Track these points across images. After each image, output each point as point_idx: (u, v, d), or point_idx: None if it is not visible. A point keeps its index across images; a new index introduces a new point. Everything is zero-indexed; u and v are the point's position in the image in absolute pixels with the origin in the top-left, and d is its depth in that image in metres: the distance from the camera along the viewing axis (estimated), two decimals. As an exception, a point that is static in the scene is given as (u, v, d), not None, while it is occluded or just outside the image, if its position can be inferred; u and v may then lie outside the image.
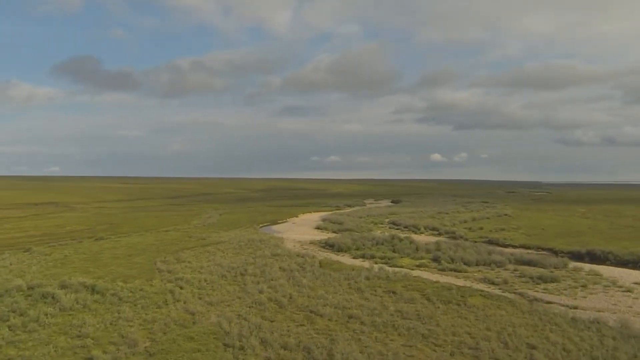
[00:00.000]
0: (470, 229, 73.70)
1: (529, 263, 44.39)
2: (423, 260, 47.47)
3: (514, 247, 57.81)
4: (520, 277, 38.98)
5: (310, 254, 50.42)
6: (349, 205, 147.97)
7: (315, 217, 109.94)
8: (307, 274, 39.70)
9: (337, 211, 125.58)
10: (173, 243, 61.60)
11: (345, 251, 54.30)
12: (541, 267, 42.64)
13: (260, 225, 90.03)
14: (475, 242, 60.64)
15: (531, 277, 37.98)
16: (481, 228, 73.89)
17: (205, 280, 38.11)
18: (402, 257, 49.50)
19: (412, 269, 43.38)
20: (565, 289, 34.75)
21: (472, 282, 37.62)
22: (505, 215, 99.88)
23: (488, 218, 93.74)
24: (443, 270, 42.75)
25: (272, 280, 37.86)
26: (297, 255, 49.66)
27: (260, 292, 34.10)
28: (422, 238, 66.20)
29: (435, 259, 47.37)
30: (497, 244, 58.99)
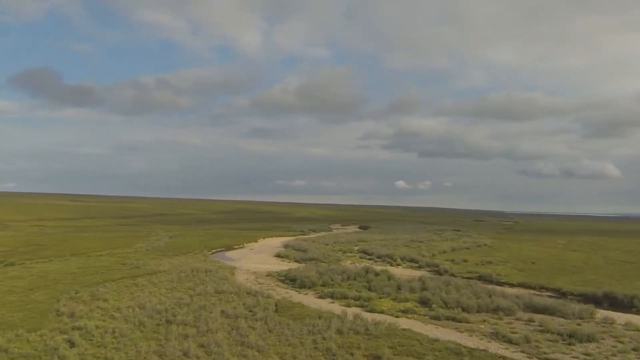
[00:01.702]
0: (453, 261, 64.26)
1: (543, 310, 34.78)
2: (408, 304, 37.34)
3: (511, 285, 48.44)
4: (542, 332, 29.23)
5: (265, 292, 39.67)
6: (314, 231, 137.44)
7: (276, 242, 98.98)
8: (258, 324, 29.05)
9: (302, 236, 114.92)
10: (98, 272, 49.98)
11: (310, 287, 43.80)
12: (561, 317, 33.23)
13: (213, 250, 78.68)
14: (464, 278, 51.13)
15: (558, 333, 28.28)
16: (465, 260, 64.54)
17: (114, 332, 27.08)
18: (380, 298, 39.28)
19: (397, 316, 33.21)
20: (613, 355, 25.12)
21: (482, 339, 27.67)
22: (485, 245, 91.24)
23: (468, 248, 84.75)
24: (437, 318, 32.70)
25: (207, 333, 27.10)
26: (248, 294, 38.90)
27: (185, 354, 23.38)
28: (400, 271, 56.29)
29: (424, 302, 37.36)
30: (491, 281, 49.53)
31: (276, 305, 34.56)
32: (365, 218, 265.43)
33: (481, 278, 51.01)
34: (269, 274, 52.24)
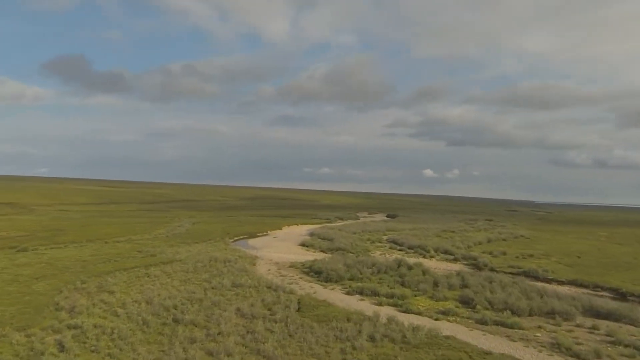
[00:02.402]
0: (490, 253, 59.43)
1: (607, 316, 30.06)
2: (448, 303, 33.05)
3: (560, 282, 43.58)
4: (613, 344, 24.67)
5: (287, 287, 35.76)
6: (341, 218, 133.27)
7: (301, 230, 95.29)
8: (277, 327, 25.19)
9: (327, 224, 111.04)
10: (111, 260, 46.90)
11: (336, 282, 39.81)
12: (629, 324, 28.55)
13: (235, 238, 75.31)
14: (506, 273, 46.50)
15: (634, 347, 23.67)
16: (504, 253, 59.63)
17: (112, 333, 23.57)
18: (416, 296, 35.05)
19: (437, 319, 28.99)
20: None
21: (542, 351, 23.29)
22: (522, 236, 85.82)
23: (504, 240, 79.55)
24: (483, 322, 28.33)
25: (217, 337, 23.37)
26: (268, 288, 35.13)
27: (189, 365, 19.67)
28: (434, 264, 51.88)
29: (466, 302, 33.03)
30: (537, 278, 44.71)
31: (299, 303, 30.64)
32: (393, 206, 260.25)
33: (525, 274, 46.17)
34: (293, 265, 48.47)
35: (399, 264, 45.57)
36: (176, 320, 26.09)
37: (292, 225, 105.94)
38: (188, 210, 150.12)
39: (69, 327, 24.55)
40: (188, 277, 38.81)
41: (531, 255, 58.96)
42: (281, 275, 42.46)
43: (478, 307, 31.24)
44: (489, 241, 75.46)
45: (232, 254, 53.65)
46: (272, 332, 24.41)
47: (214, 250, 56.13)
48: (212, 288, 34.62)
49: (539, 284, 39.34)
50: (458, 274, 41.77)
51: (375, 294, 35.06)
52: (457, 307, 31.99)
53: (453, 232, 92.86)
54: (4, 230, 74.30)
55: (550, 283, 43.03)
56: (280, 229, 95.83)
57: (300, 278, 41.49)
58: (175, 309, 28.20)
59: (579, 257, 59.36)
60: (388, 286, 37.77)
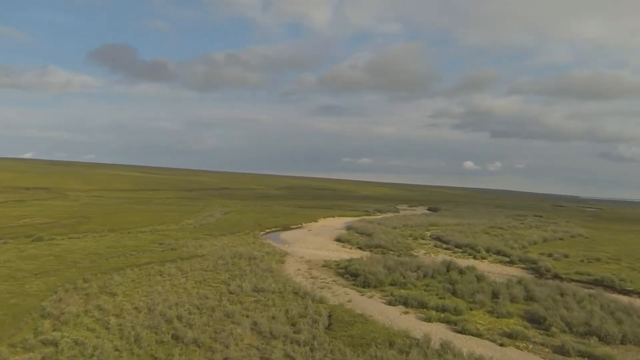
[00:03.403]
0: (550, 255, 52.48)
1: None
2: (512, 322, 26.93)
3: (642, 295, 36.68)
4: None
5: (318, 293, 30.28)
6: (380, 211, 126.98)
7: (338, 223, 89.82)
8: (299, 353, 19.82)
9: (366, 217, 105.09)
10: (126, 253, 42.60)
11: (376, 287, 34.17)
12: None
13: (267, 230, 70.51)
14: (575, 281, 39.92)
15: None
16: (566, 256, 52.54)
17: (93, 354, 18.75)
18: (472, 309, 29.06)
19: (502, 343, 23.03)
20: None
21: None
22: (580, 236, 77.90)
23: (561, 239, 71.98)
24: (564, 352, 22.20)
25: (222, 366, 18.17)
26: (295, 294, 29.82)
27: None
28: (487, 267, 45.55)
29: (535, 320, 26.89)
30: (613, 289, 37.86)
31: (330, 317, 25.18)
32: (432, 199, 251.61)
33: (598, 283, 39.34)
34: (326, 264, 43.06)
35: (448, 267, 39.50)
36: (176, 338, 21.08)
37: (328, 217, 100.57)
38: (223, 199, 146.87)
39: (44, 344, 19.88)
40: (205, 278, 33.91)
41: (598, 259, 51.74)
42: (312, 277, 37.09)
43: (553, 329, 25.07)
44: (544, 241, 68.09)
45: (259, 249, 48.68)
46: (293, 360, 19.07)
47: (241, 245, 51.29)
48: (230, 293, 29.55)
49: (621, 298, 32.69)
50: (519, 281, 35.42)
51: (422, 305, 29.24)
52: (525, 327, 25.83)
53: (502, 228, 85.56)
54: (29, 216, 71.73)
55: (630, 295, 36.23)
56: (316, 221, 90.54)
57: (334, 281, 36.00)
58: (180, 321, 23.21)
59: (654, 262, 51.79)
60: (437, 295, 31.93)
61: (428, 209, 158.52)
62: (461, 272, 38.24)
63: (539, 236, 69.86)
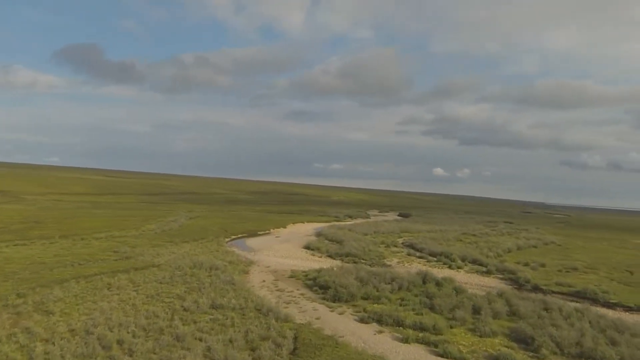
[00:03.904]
0: (527, 265, 50.60)
1: None
2: (498, 341, 24.38)
3: (626, 308, 34.77)
4: None
5: (283, 310, 27.23)
6: (350, 217, 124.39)
7: (308, 228, 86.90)
8: (258, 387, 16.78)
9: (336, 223, 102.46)
10: (75, 263, 38.77)
11: (347, 301, 31.32)
12: None
13: (233, 236, 67.06)
14: (555, 293, 37.95)
15: None
16: (543, 265, 50.71)
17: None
18: (452, 327, 26.44)
19: (489, 371, 20.46)
20: None
21: None
22: (553, 243, 76.77)
23: (535, 247, 70.61)
24: (558, 380, 19.76)
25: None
26: (257, 311, 26.71)
27: None
28: (464, 278, 43.22)
29: (522, 340, 24.42)
30: (595, 301, 35.88)
31: (296, 339, 22.21)
32: (403, 204, 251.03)
33: (580, 295, 37.35)
34: (294, 274, 40.04)
35: (425, 278, 36.97)
36: (112, 370, 17.79)
37: (298, 223, 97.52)
38: (190, 203, 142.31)
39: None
40: (158, 291, 30.50)
41: (575, 269, 50.11)
42: (277, 290, 34.02)
43: (543, 350, 22.63)
44: (519, 248, 66.49)
45: (223, 257, 45.35)
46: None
47: (203, 253, 47.87)
48: (184, 310, 26.28)
49: (609, 313, 30.67)
50: (500, 294, 33.08)
51: (398, 322, 26.48)
52: (512, 348, 23.30)
53: (474, 235, 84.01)
54: (-24, 221, 66.69)
55: (614, 309, 34.34)
56: (285, 227, 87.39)
57: (302, 295, 33.00)
58: (120, 347, 19.94)
59: (631, 272, 50.45)
60: (413, 310, 29.28)
61: (399, 215, 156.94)
62: (438, 284, 35.76)
63: (513, 244, 68.23)
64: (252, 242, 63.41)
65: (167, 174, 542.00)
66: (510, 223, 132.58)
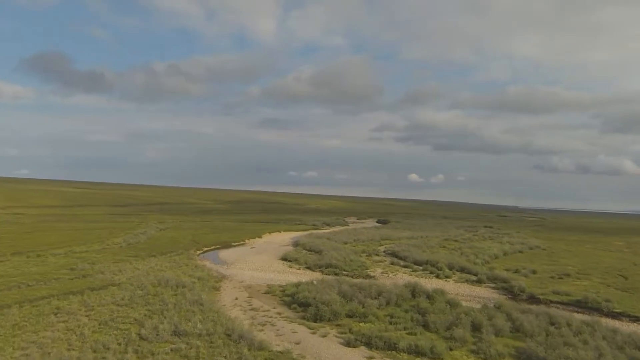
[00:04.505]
0: (517, 272, 47.85)
1: None
2: (506, 366, 21.25)
3: (633, 318, 32.04)
4: None
5: (257, 335, 23.55)
6: (328, 224, 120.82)
7: (285, 238, 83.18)
8: None
9: (314, 231, 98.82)
10: (22, 284, 34.47)
11: (330, 320, 27.83)
12: None
13: (205, 249, 63.02)
14: (554, 303, 35.12)
15: None
16: (534, 272, 47.99)
17: None
18: (451, 349, 23.16)
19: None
20: None
21: None
22: (538, 247, 74.57)
23: (521, 252, 68.21)
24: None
25: None
26: (227, 337, 23.01)
27: None
28: (454, 288, 40.15)
29: (533, 363, 21.31)
30: (598, 311, 33.11)
31: (272, 374, 18.63)
32: (379, 211, 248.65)
33: (582, 305, 34.56)
34: (270, 290, 36.39)
35: (414, 291, 33.71)
36: None
37: (274, 232, 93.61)
38: (161, 214, 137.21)
39: None
40: (114, 315, 26.54)
41: (567, 275, 47.57)
42: (252, 309, 30.31)
43: (559, 376, 19.49)
44: (505, 254, 63.90)
45: (192, 273, 41.41)
46: None
47: (170, 268, 43.86)
48: (140, 339, 22.44)
49: (618, 325, 27.83)
50: (498, 307, 30.00)
51: (390, 345, 23.08)
52: (523, 374, 20.15)
53: (457, 241, 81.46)
54: None
55: (619, 319, 31.59)
56: (260, 236, 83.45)
57: (278, 314, 29.36)
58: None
59: (625, 277, 48.17)
60: (405, 329, 25.98)
61: (378, 222, 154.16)
62: (429, 297, 32.52)
63: (499, 249, 65.69)
64: (225, 254, 59.41)
65: (138, 184, 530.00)
66: (490, 227, 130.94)
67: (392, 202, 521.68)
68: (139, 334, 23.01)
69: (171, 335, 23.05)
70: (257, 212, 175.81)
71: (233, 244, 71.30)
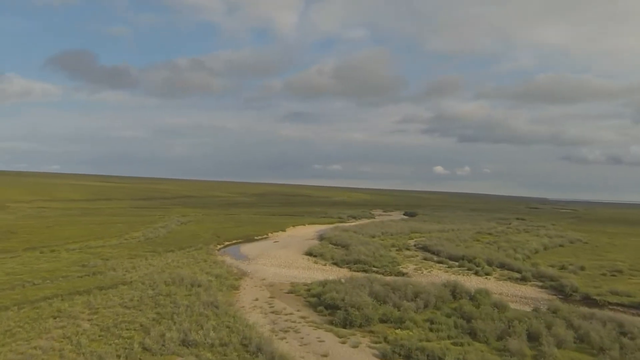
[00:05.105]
0: (564, 268, 43.69)
1: None
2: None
3: None
4: None
5: (276, 348, 20.29)
6: (354, 217, 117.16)
7: (309, 231, 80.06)
8: None
9: (340, 224, 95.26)
10: (25, 283, 31.97)
11: (361, 326, 24.45)
12: None
13: (226, 243, 60.27)
14: (613, 305, 31.10)
15: None
16: (582, 268, 43.80)
17: None
18: (507, 364, 19.59)
19: None
20: None
21: None
22: (579, 241, 69.79)
23: (562, 246, 63.73)
24: None
25: None
26: (244, 347, 19.85)
27: None
28: (496, 286, 36.28)
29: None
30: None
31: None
32: (405, 203, 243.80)
33: (646, 307, 30.48)
34: (293, 289, 33.17)
35: (454, 291, 30.11)
36: None
37: (298, 225, 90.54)
38: (185, 207, 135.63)
39: None
40: (119, 320, 23.60)
41: (619, 271, 43.22)
42: (273, 312, 27.11)
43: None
44: (545, 248, 59.55)
45: (210, 269, 38.47)
46: None
47: (188, 264, 41.03)
48: (143, 349, 19.42)
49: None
50: (554, 311, 26.19)
51: (434, 359, 19.59)
52: (602, 399, 16.47)
53: (491, 234, 77.28)
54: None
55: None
56: (284, 230, 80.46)
57: (303, 318, 26.07)
58: None
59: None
60: (449, 338, 22.46)
61: (405, 214, 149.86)
62: (472, 298, 28.88)
63: (538, 243, 61.32)
64: (247, 248, 56.51)
65: (165, 178, 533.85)
66: (523, 220, 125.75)
67: (418, 194, 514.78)
68: (142, 344, 19.97)
69: (179, 345, 19.96)
70: (281, 205, 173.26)
71: (256, 237, 68.43)
